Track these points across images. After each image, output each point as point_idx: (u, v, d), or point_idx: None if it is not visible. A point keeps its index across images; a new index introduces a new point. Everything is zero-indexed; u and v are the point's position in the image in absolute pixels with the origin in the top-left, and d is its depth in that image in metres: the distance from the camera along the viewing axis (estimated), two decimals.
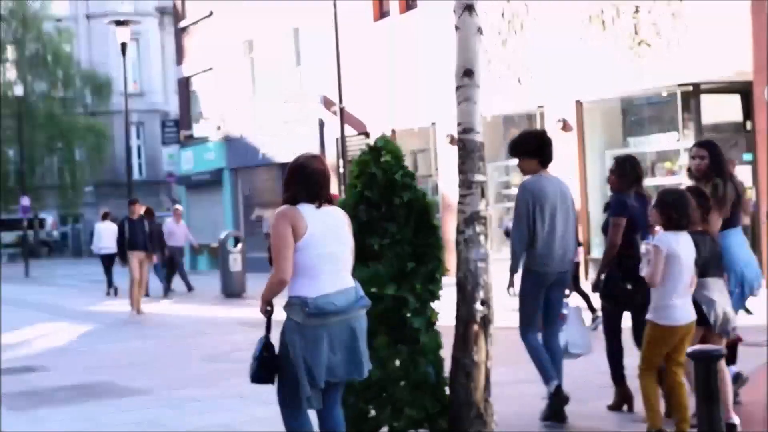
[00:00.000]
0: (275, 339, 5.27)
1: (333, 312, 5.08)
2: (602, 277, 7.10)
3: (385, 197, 6.04)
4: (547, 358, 7.01)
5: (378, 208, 6.04)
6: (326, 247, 5.14)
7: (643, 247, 6.22)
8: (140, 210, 18.08)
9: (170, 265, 21.52)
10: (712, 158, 7.03)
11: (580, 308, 7.45)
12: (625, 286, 6.92)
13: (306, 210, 5.16)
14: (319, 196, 5.22)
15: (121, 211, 25.37)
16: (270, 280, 5.17)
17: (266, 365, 5.27)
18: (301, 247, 5.09)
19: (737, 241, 6.97)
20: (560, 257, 6.98)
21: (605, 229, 7.21)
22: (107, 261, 21.97)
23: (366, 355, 5.25)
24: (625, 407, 7.23)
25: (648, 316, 6.12)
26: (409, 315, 6.06)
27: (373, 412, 6.10)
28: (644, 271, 6.05)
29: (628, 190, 7.13)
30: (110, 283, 22.24)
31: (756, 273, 7.08)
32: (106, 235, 21.85)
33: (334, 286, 5.12)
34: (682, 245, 5.99)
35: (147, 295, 19.17)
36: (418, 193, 6.15)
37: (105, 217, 23.00)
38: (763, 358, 8.09)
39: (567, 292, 7.27)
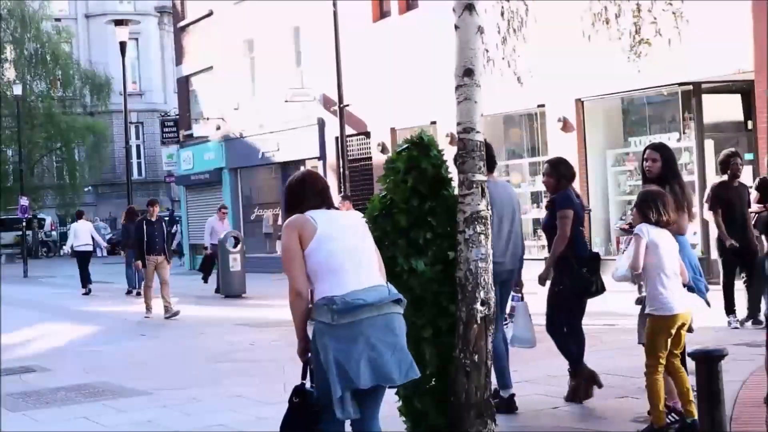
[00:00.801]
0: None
1: (363, 306, 4.72)
2: (551, 270, 7.55)
3: (434, 191, 6.14)
4: (506, 365, 7.43)
5: (427, 201, 6.11)
6: (343, 242, 4.87)
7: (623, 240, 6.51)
8: (157, 211, 17.40)
9: (209, 263, 21.74)
10: (664, 161, 7.32)
11: (527, 303, 7.77)
12: (582, 273, 7.42)
13: (314, 212, 4.95)
14: (324, 202, 5.02)
15: (120, 211, 25.46)
16: (289, 300, 4.87)
17: (297, 412, 4.87)
18: (314, 247, 4.83)
19: (687, 240, 7.21)
20: (509, 257, 7.34)
21: (547, 227, 7.72)
22: (83, 258, 22.85)
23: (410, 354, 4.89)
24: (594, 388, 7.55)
25: (646, 311, 6.32)
26: (447, 304, 6.15)
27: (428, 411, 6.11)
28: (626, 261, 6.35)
29: (567, 188, 7.65)
30: (84, 282, 22.92)
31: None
32: (82, 234, 22.91)
33: (361, 284, 4.80)
34: (661, 236, 6.26)
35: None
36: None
37: (80, 216, 24.08)
38: (763, 359, 8.06)
39: (518, 287, 7.73)
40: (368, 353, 4.70)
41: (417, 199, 6.09)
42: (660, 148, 7.53)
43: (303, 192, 5.05)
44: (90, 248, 23.13)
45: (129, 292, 22.09)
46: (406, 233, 6.02)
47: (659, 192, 6.53)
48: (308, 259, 4.84)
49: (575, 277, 7.43)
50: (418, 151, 6.15)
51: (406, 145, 6.21)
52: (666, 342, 6.17)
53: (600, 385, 7.53)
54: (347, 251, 4.85)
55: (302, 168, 21.32)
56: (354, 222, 5.12)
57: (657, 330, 6.20)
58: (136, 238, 17.09)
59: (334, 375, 4.67)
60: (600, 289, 7.56)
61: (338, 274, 4.81)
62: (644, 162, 7.41)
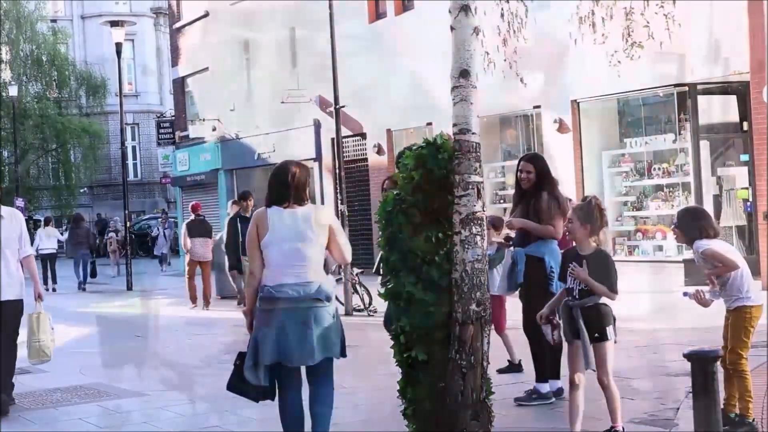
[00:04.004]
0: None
1: (283, 299, 5.80)
2: None
3: (440, 193, 6.13)
4: None
5: (435, 200, 6.12)
6: (287, 244, 5.85)
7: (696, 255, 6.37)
8: (252, 204, 14.40)
9: None
10: (537, 172, 7.72)
11: None
12: None
13: (273, 212, 5.94)
14: (285, 198, 5.93)
15: (118, 212, 25.70)
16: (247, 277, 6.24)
17: (239, 373, 5.99)
18: (264, 245, 5.91)
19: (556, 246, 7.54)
20: None
21: None
22: (48, 261, 24.99)
23: (324, 343, 5.83)
24: None
25: (739, 304, 6.25)
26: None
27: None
28: (714, 270, 6.26)
29: None
30: (46, 281, 24.37)
31: None
32: (46, 239, 25.44)
33: (292, 280, 5.83)
34: (721, 243, 6.41)
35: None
36: None
37: (47, 222, 26.27)
38: (763, 358, 8.09)
39: None
40: (277, 336, 5.80)
41: (421, 196, 6.11)
42: (533, 160, 7.97)
43: (272, 184, 6.03)
44: (52, 251, 25.25)
45: (83, 289, 24.45)
46: (420, 229, 6.03)
47: (698, 210, 6.86)
48: (262, 249, 5.94)
49: None
50: (429, 150, 6.18)
51: (421, 144, 6.25)
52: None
53: None
54: (287, 252, 5.87)
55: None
56: (305, 223, 5.92)
57: (755, 318, 6.29)
58: (231, 241, 14.22)
59: (251, 348, 5.91)
60: None
61: (276, 268, 5.89)
62: (519, 173, 7.82)
